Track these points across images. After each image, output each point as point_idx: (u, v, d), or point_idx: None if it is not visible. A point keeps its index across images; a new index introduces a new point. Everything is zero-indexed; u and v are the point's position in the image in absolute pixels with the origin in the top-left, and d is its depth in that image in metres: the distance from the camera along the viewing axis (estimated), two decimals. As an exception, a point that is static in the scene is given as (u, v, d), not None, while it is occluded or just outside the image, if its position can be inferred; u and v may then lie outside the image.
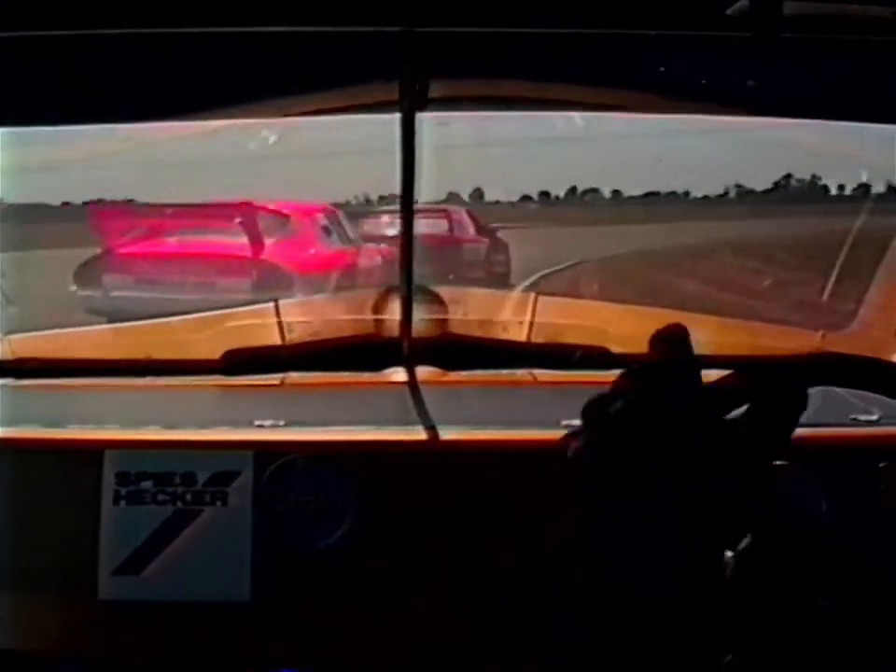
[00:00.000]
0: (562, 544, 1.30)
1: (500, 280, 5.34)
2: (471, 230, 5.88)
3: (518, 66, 1.44)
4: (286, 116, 1.68)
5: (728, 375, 1.12)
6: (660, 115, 1.64)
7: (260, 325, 1.79)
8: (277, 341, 1.76)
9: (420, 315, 1.74)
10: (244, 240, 3.85)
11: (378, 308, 1.83)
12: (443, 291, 1.87)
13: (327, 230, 4.38)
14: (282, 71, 1.45)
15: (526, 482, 1.34)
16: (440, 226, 5.42)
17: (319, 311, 1.95)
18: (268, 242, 3.95)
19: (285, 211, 4.21)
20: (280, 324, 1.80)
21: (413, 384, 1.65)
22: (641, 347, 1.66)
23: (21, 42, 1.28)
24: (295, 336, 1.77)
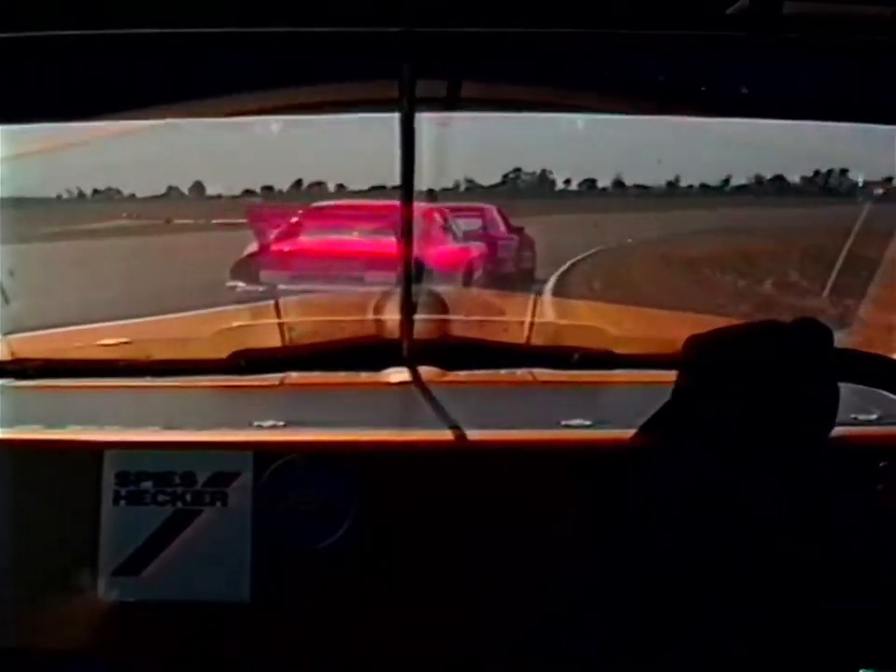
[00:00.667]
0: (561, 542, 1.31)
1: (527, 274, 5.54)
2: (502, 227, 6.02)
3: (517, 67, 1.44)
4: (287, 114, 1.68)
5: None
6: (660, 115, 1.63)
7: (261, 325, 1.79)
8: (278, 341, 1.76)
9: (421, 315, 1.74)
10: (382, 237, 4.04)
11: (379, 308, 1.83)
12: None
13: (444, 229, 4.93)
14: (283, 70, 1.45)
15: (526, 481, 1.34)
16: (474, 224, 5.66)
17: (320, 311, 1.95)
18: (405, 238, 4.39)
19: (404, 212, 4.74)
20: (281, 324, 1.80)
21: (412, 384, 1.65)
22: (639, 347, 1.66)
23: (20, 42, 1.28)
24: (296, 336, 1.77)
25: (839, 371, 1.28)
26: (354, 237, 4.26)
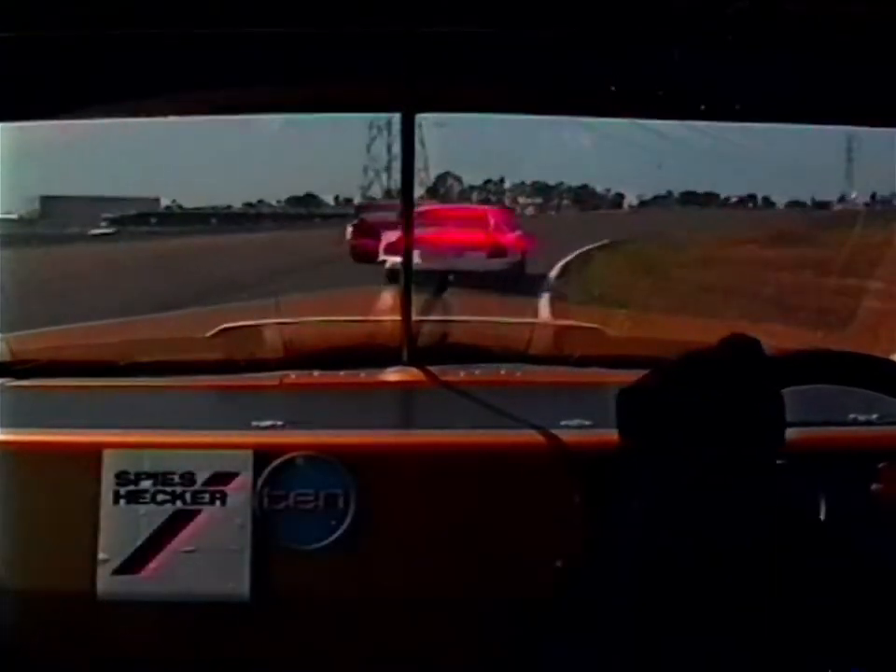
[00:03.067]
0: (561, 543, 1.31)
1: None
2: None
3: (519, 68, 1.44)
4: (287, 114, 1.68)
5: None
6: (660, 118, 1.63)
7: (261, 324, 1.79)
8: (278, 340, 1.76)
9: (420, 315, 1.74)
10: (471, 230, 6.50)
11: (378, 308, 1.83)
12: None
13: (508, 222, 7.24)
14: (284, 70, 1.45)
15: (526, 482, 1.34)
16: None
17: (320, 311, 1.95)
18: (486, 231, 6.75)
19: (487, 214, 7.18)
20: (280, 324, 1.80)
21: (412, 384, 1.65)
22: (640, 348, 1.66)
23: (20, 42, 1.28)
24: (295, 336, 1.77)
25: (835, 374, 1.28)
26: (453, 230, 6.20)
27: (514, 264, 6.65)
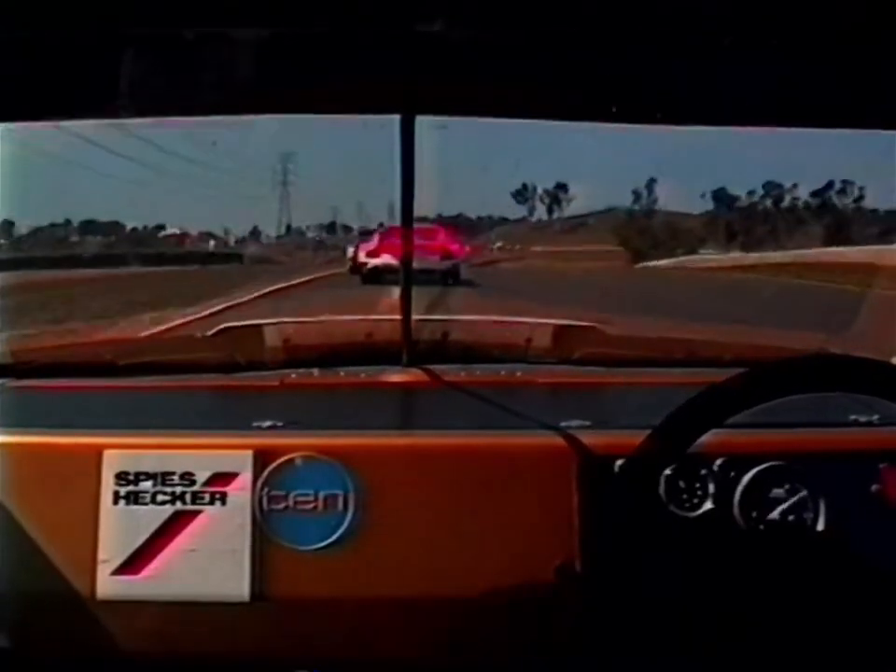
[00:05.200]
0: (559, 545, 1.31)
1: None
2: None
3: (519, 70, 1.44)
4: (286, 114, 1.68)
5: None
6: (663, 122, 1.62)
7: (261, 325, 1.79)
8: (278, 341, 1.76)
9: (420, 315, 1.74)
10: (428, 242, 8.37)
11: (378, 308, 1.83)
12: (445, 294, 1.92)
13: (453, 236, 9.63)
14: (282, 71, 1.45)
15: (525, 482, 1.34)
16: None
17: (320, 311, 1.95)
18: (437, 242, 9.07)
19: (438, 231, 9.35)
20: (281, 324, 1.80)
21: (412, 384, 1.65)
22: (639, 347, 1.66)
23: (20, 42, 1.28)
24: (295, 336, 1.77)
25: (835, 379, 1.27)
26: (416, 241, 7.51)
27: (454, 265, 9.40)
